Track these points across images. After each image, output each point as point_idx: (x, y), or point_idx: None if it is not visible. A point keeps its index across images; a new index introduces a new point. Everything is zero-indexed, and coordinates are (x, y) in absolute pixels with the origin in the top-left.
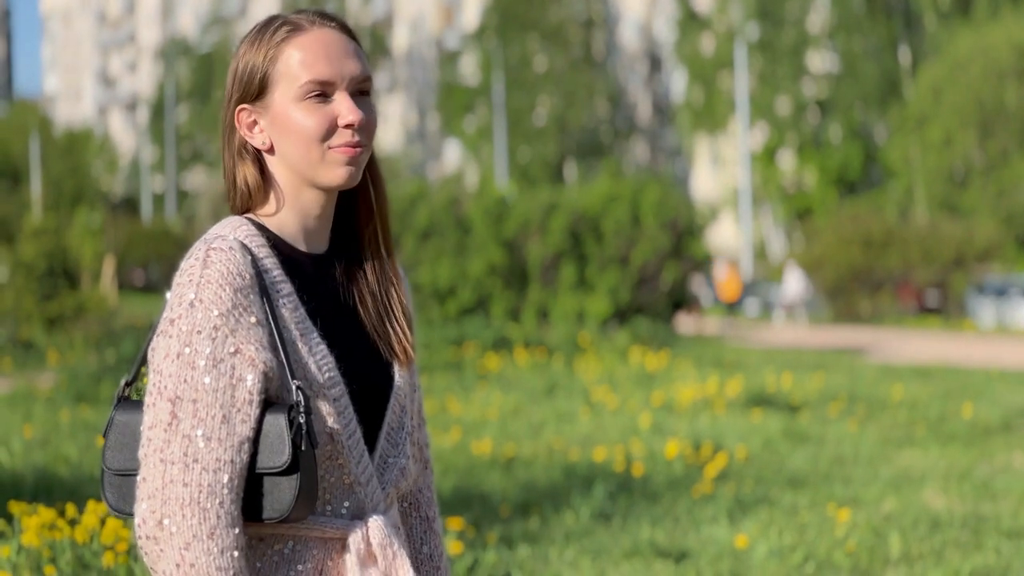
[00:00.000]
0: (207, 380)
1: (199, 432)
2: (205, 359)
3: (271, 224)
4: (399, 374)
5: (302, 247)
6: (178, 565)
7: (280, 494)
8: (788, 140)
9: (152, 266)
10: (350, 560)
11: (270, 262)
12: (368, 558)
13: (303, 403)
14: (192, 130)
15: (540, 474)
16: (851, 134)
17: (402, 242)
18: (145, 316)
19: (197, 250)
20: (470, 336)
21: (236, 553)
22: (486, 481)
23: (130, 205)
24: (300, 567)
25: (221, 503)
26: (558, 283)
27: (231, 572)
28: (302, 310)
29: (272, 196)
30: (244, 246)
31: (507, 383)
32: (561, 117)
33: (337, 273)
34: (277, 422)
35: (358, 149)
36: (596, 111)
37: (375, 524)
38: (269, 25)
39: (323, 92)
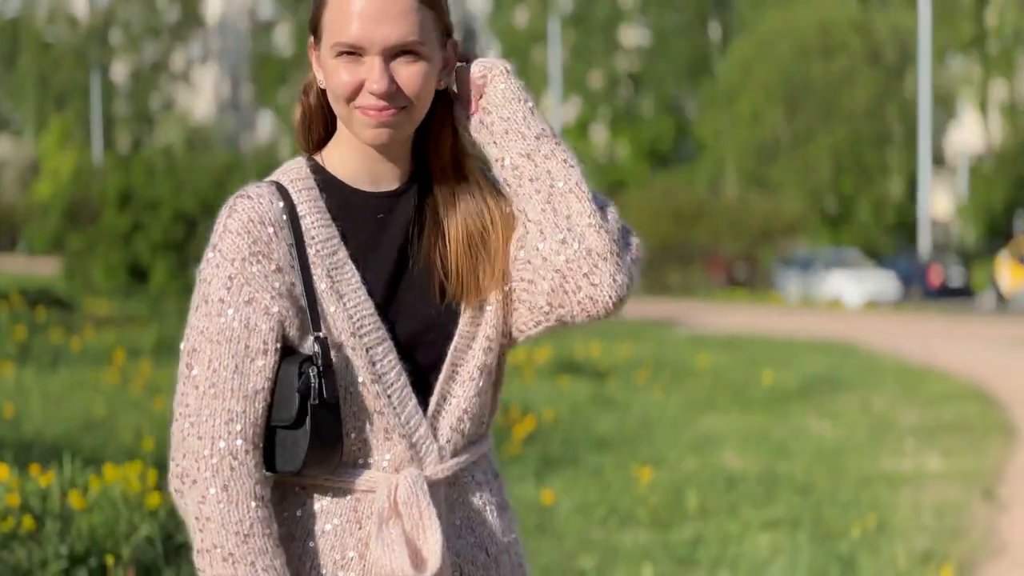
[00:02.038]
0: (219, 330)
1: (211, 383)
2: (219, 309)
3: (333, 162)
4: (469, 314)
5: (365, 186)
6: (196, 519)
7: (293, 447)
8: (601, 114)
9: None
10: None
11: (311, 205)
12: (391, 514)
13: (320, 355)
14: None
15: None
16: (663, 108)
17: (217, 213)
18: None
19: (230, 198)
20: None
21: (253, 504)
22: None
23: None
24: (336, 520)
25: (234, 454)
26: None
27: (247, 523)
28: (342, 254)
29: (337, 134)
30: (281, 190)
31: None
32: None
33: (408, 209)
34: (288, 374)
35: (384, 113)
36: None
37: (404, 479)
38: None
39: (354, 52)
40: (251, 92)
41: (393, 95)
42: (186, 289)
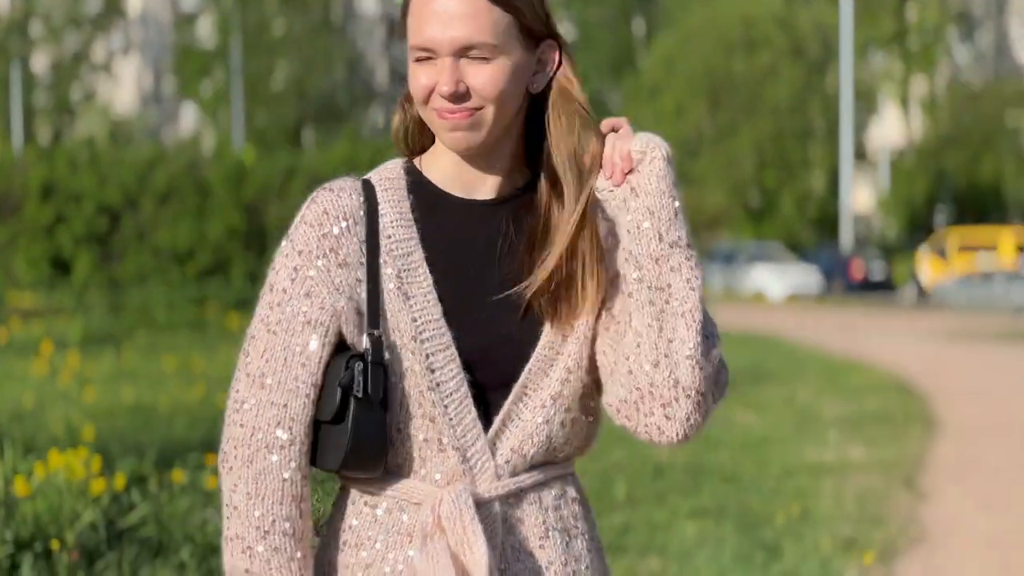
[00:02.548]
0: (277, 320)
1: (260, 372)
2: (280, 299)
3: (430, 167)
4: (550, 340)
5: (457, 192)
6: (226, 505)
7: (334, 444)
8: None
9: None
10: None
11: (394, 204)
12: (435, 528)
13: (371, 352)
14: None
15: None
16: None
17: (140, 205)
18: None
19: (315, 190)
20: (212, 296)
21: (281, 499)
22: None
23: None
24: (386, 533)
25: (269, 447)
26: None
27: (269, 519)
28: (417, 256)
29: (436, 140)
30: (366, 186)
31: None
32: (299, 82)
33: (501, 222)
34: (336, 368)
35: (457, 115)
36: (334, 76)
37: (449, 493)
38: None
39: (429, 56)
40: (173, 84)
41: (462, 96)
42: (111, 282)
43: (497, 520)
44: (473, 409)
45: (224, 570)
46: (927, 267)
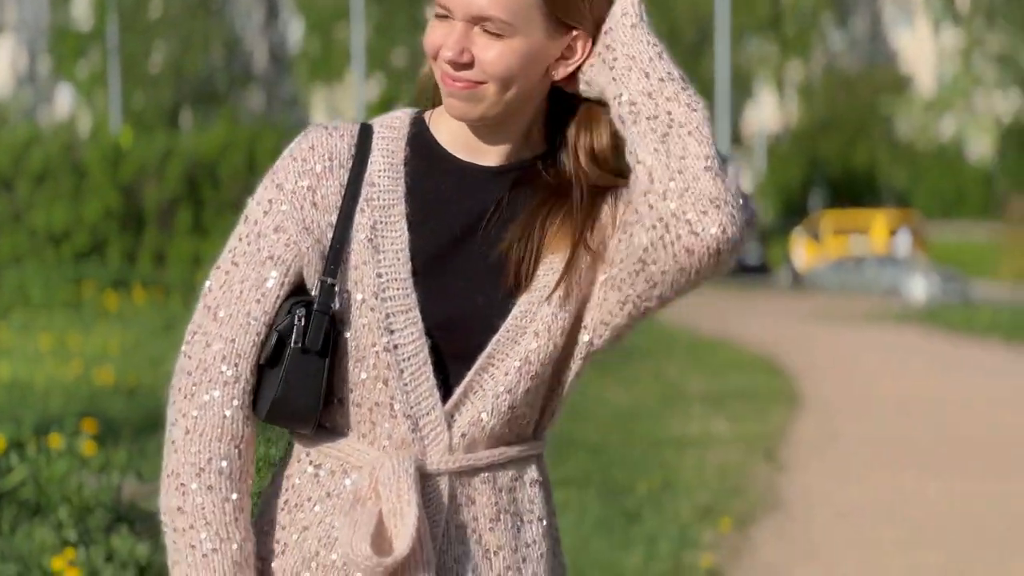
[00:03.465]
0: (243, 252)
1: (217, 303)
2: (250, 229)
3: (439, 123)
4: (522, 312)
5: (460, 153)
6: (168, 440)
7: (266, 390)
8: (404, 92)
9: None
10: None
11: (387, 153)
12: (370, 493)
13: (318, 301)
14: None
15: (161, 401)
16: None
17: (15, 186)
18: None
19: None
20: (89, 276)
21: (219, 437)
22: (110, 408)
23: None
24: (327, 495)
25: (213, 382)
26: (174, 227)
27: (205, 456)
28: (398, 210)
29: None
30: (363, 130)
31: (126, 321)
32: (176, 63)
33: (499, 190)
34: (281, 312)
35: (457, 84)
36: (212, 58)
37: (390, 459)
38: None
39: (446, 15)
40: (49, 65)
41: (465, 66)
42: None
43: (443, 496)
44: (432, 377)
45: (160, 508)
46: (801, 250)
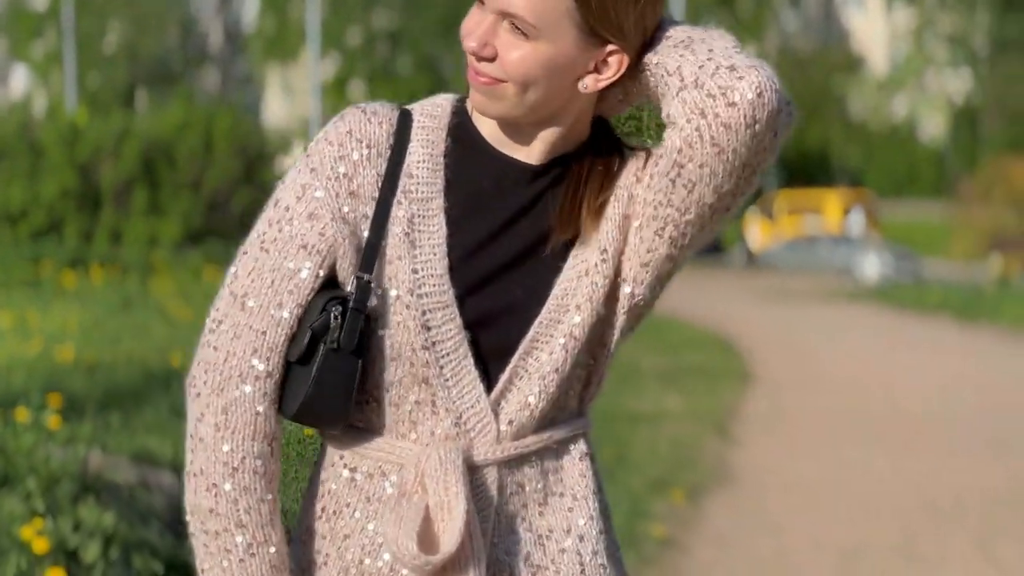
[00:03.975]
0: (273, 239)
1: (244, 292)
2: (281, 215)
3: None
4: (563, 282)
5: (502, 147)
6: (191, 436)
7: (295, 388)
8: (359, 70)
9: None
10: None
11: (427, 143)
12: (416, 487)
13: (355, 298)
14: None
15: (122, 378)
16: (420, 66)
17: None
18: None
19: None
20: (46, 255)
21: (251, 435)
22: (72, 384)
23: None
24: (374, 498)
25: (243, 376)
26: (131, 207)
27: (239, 455)
28: (436, 204)
29: None
30: (403, 117)
31: (84, 299)
32: (132, 44)
33: (536, 186)
34: (314, 308)
35: (478, 78)
36: (167, 39)
37: (436, 451)
38: None
39: (483, 1)
40: (4, 45)
41: (485, 60)
42: None
43: (491, 488)
44: (473, 370)
45: (186, 508)
46: (755, 229)
